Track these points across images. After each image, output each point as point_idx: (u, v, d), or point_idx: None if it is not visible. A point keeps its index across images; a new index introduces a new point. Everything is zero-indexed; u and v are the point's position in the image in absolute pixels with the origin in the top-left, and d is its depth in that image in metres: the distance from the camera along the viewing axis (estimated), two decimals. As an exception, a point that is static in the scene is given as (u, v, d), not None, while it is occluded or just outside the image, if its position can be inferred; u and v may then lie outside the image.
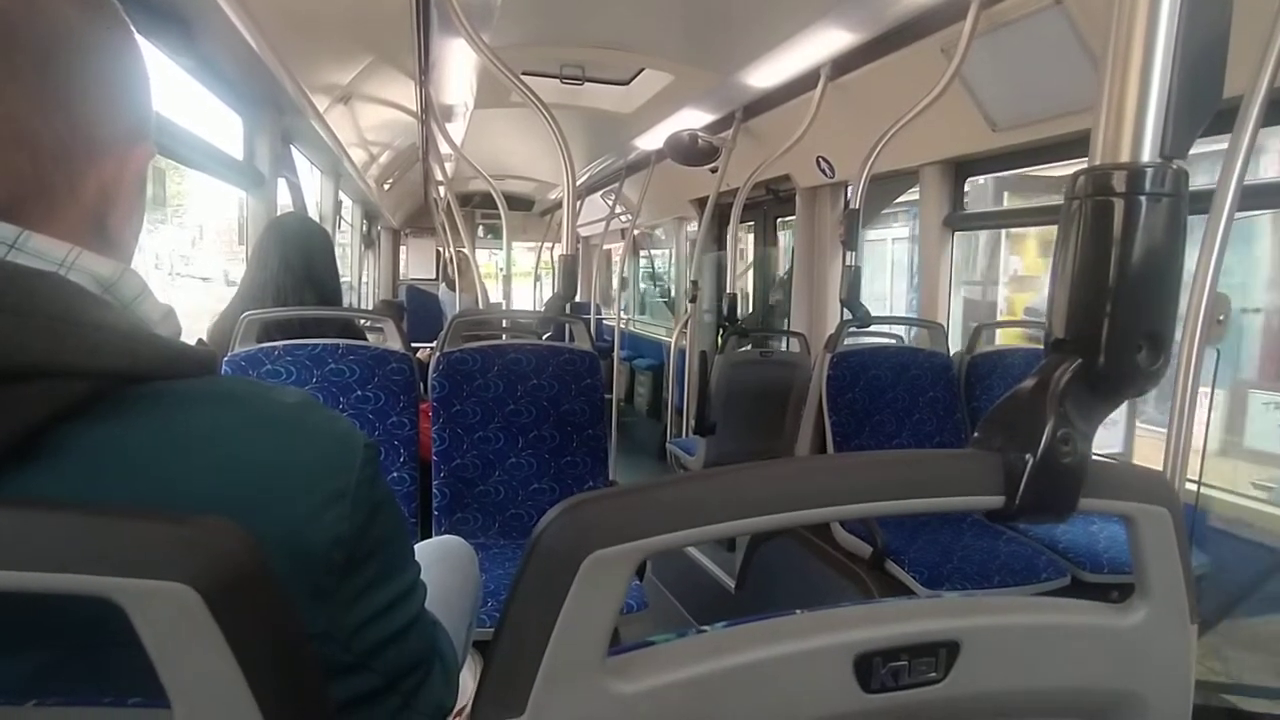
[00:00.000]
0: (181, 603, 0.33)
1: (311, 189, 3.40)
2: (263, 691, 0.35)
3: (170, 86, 1.81)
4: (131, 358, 0.42)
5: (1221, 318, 1.39)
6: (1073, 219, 0.46)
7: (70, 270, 0.43)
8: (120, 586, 0.33)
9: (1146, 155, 0.44)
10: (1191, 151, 0.45)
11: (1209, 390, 1.64)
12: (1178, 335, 1.18)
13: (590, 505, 0.41)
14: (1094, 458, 0.47)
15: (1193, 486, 1.52)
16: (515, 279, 6.37)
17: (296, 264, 1.83)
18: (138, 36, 0.50)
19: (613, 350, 4.55)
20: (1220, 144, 1.17)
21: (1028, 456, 0.45)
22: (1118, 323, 0.45)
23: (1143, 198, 0.44)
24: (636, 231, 5.48)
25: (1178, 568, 0.50)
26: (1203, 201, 1.17)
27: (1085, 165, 0.47)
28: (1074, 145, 2.02)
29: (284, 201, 2.60)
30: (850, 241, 2.34)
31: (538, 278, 7.66)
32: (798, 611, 0.47)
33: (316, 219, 2.89)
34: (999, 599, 0.50)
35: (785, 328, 3.60)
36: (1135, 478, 0.49)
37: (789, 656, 0.44)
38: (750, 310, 4.42)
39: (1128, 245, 0.44)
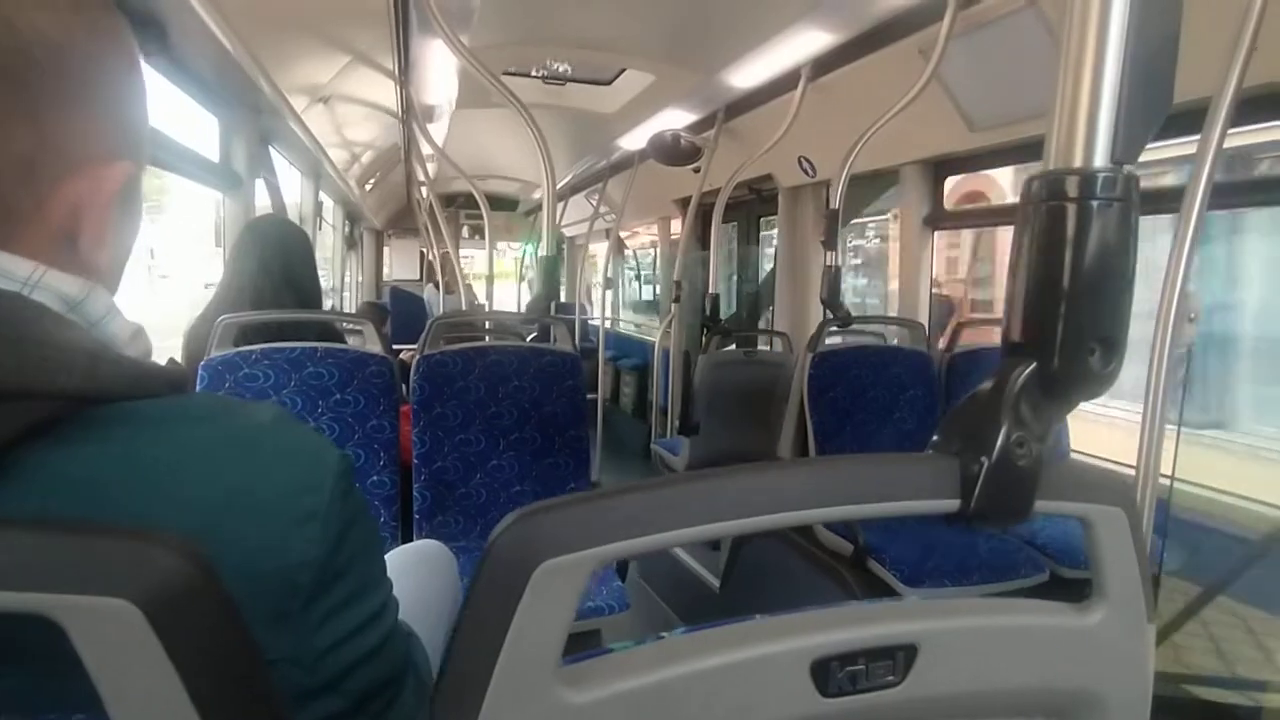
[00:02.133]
0: (122, 620, 0.32)
1: (291, 190, 3.38)
2: (210, 713, 0.34)
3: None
4: (95, 378, 0.41)
5: (1193, 317, 1.41)
6: (1027, 223, 0.46)
7: (35, 289, 0.42)
8: (58, 604, 0.32)
9: (1099, 160, 0.45)
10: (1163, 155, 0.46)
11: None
12: (1149, 335, 1.19)
13: (541, 515, 0.41)
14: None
15: (1165, 483, 1.54)
16: (499, 279, 6.35)
17: (274, 266, 1.82)
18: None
19: (597, 351, 4.55)
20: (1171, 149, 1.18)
21: (983, 459, 0.45)
22: (1070, 326, 0.45)
23: (1094, 202, 0.44)
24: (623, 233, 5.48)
25: (1134, 568, 0.50)
26: (1173, 200, 1.18)
27: (1039, 171, 0.47)
28: (1050, 145, 2.04)
29: (263, 203, 2.57)
30: (830, 241, 2.35)
31: (521, 277, 7.64)
32: (756, 617, 0.47)
33: (296, 220, 2.88)
34: (957, 601, 0.50)
35: (768, 327, 3.61)
36: (1090, 479, 0.50)
37: (746, 662, 0.44)
38: (734, 310, 4.43)
39: (1080, 249, 0.44)
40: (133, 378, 0.43)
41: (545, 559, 0.39)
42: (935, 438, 0.49)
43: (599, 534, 0.40)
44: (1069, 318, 0.45)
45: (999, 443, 0.45)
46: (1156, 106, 0.45)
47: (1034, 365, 0.46)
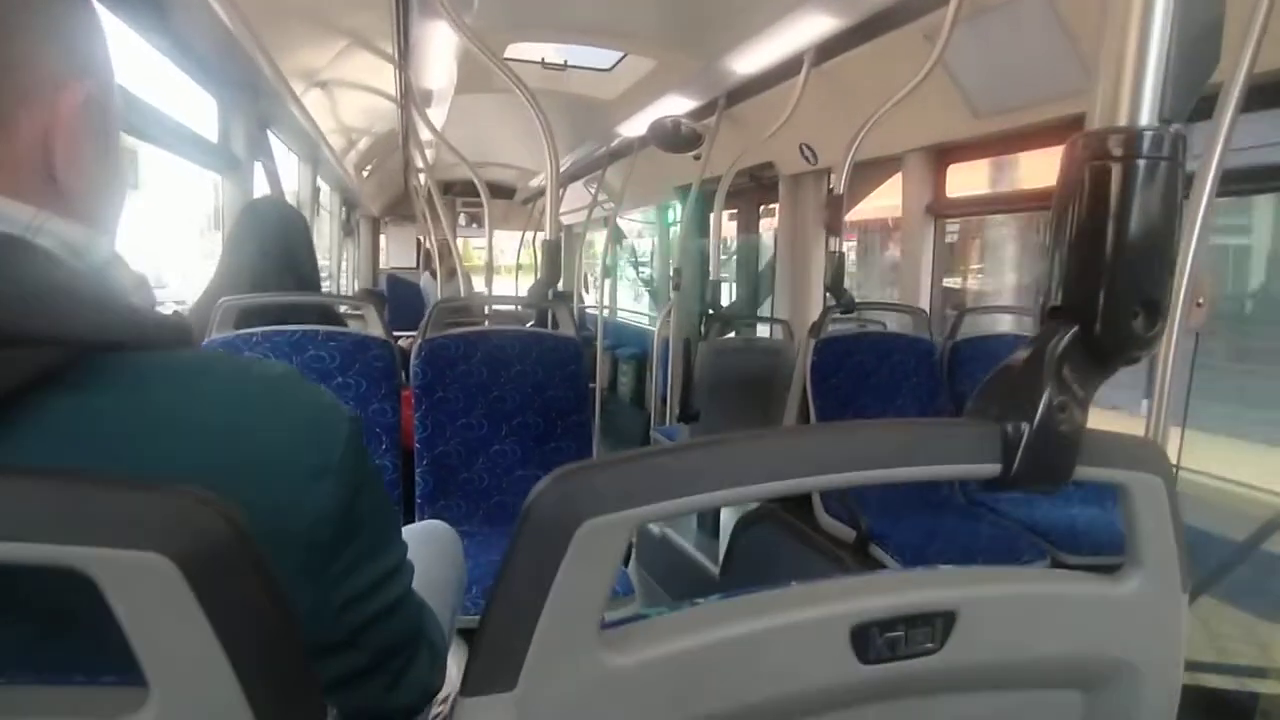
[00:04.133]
0: (157, 574, 0.32)
1: (289, 175, 3.35)
2: (244, 667, 0.34)
3: (143, 67, 1.76)
4: (103, 326, 0.40)
5: (1201, 301, 1.41)
6: (1069, 183, 0.46)
7: (38, 234, 0.41)
8: (91, 557, 0.31)
9: (1145, 118, 0.44)
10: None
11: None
12: None
13: (582, 474, 0.40)
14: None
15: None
16: (497, 273, 6.32)
17: (274, 249, 1.80)
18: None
19: (596, 339, 4.53)
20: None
21: (1024, 425, 0.45)
22: (1115, 289, 0.44)
23: (1141, 161, 0.43)
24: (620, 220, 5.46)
25: (1170, 536, 0.50)
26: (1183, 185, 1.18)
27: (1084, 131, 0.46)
28: (1056, 131, 2.03)
29: (261, 189, 2.55)
30: (834, 227, 2.34)
31: (519, 266, 7.61)
32: (793, 584, 0.47)
33: (294, 205, 2.85)
34: (996, 569, 0.50)
35: (767, 315, 3.60)
36: (1129, 446, 0.49)
37: (785, 628, 0.43)
38: (734, 298, 4.42)
39: (1125, 210, 0.44)
40: (142, 327, 0.43)
41: (588, 518, 0.39)
42: (971, 403, 0.48)
43: (642, 493, 0.39)
44: (1113, 280, 0.44)
45: (1041, 407, 0.44)
46: (1205, 63, 0.44)
47: (1076, 329, 0.45)
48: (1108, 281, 0.44)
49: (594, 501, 0.39)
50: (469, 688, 0.41)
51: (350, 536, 0.45)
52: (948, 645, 0.46)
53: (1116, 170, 0.44)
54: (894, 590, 0.46)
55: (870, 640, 0.44)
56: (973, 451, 0.45)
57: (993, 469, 0.45)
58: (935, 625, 0.46)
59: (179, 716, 0.33)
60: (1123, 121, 0.44)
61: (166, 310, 0.48)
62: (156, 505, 0.33)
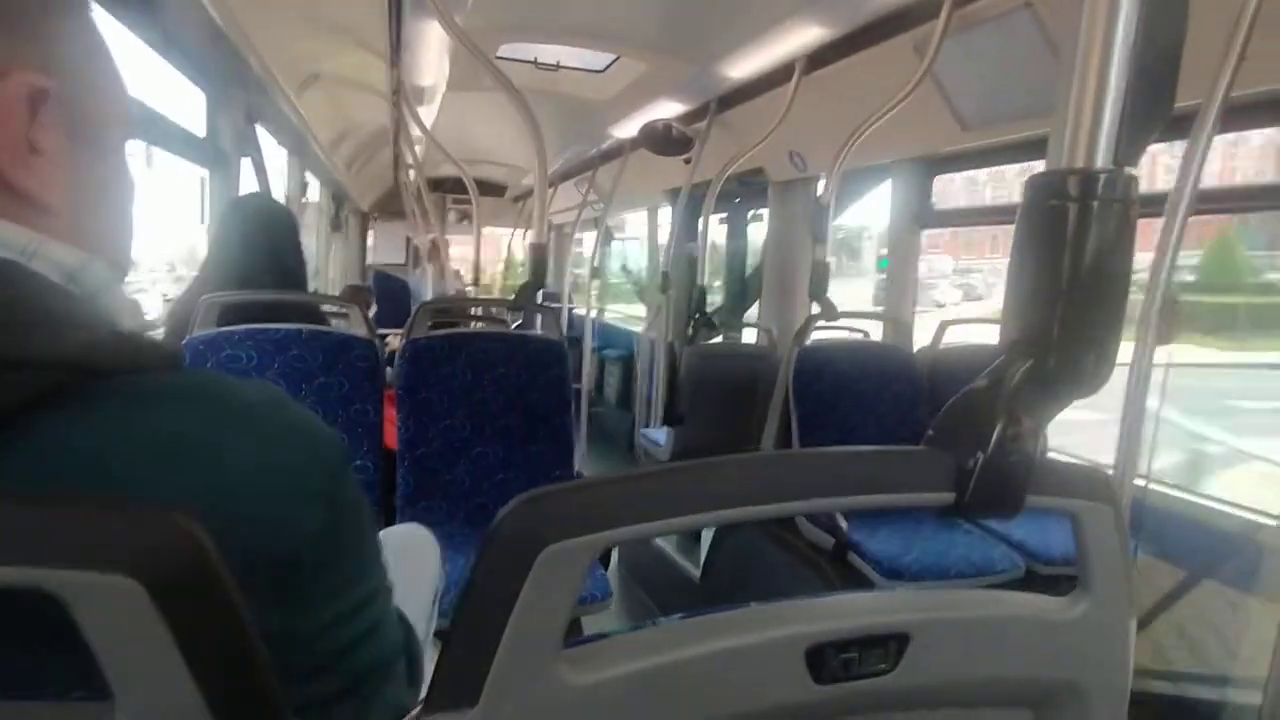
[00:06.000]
0: (124, 596, 0.32)
1: (277, 170, 3.33)
2: (210, 688, 0.34)
3: (130, 59, 1.75)
4: (94, 350, 0.40)
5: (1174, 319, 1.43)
6: (1028, 221, 0.47)
7: (33, 258, 0.42)
8: (59, 579, 0.32)
9: (1100, 161, 0.45)
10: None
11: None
12: (1130, 335, 1.21)
13: (549, 498, 0.41)
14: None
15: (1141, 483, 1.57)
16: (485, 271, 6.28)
17: (259, 246, 1.79)
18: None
19: (582, 340, 4.54)
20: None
21: (978, 454, 0.46)
22: (1068, 324, 0.46)
23: (1095, 203, 0.45)
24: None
25: (1118, 562, 0.51)
26: (1157, 205, 1.20)
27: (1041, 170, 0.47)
28: (1042, 146, 2.05)
29: (248, 183, 2.54)
30: (820, 235, 2.36)
31: (507, 265, 7.59)
32: (752, 605, 0.48)
33: (282, 200, 2.84)
34: (948, 593, 0.51)
35: (754, 320, 3.62)
36: (1079, 476, 0.51)
37: (743, 649, 0.44)
38: (721, 302, 4.44)
39: (1080, 249, 0.45)
40: (132, 352, 0.43)
41: (551, 542, 0.39)
42: (930, 432, 0.50)
43: (603, 519, 0.40)
44: (1067, 316, 0.46)
45: (994, 438, 0.46)
46: (1159, 110, 0.45)
47: (1030, 362, 0.47)
48: (1061, 317, 0.46)
49: (557, 526, 0.40)
50: (432, 704, 0.42)
51: (331, 562, 0.45)
52: (900, 666, 0.47)
53: (1073, 211, 0.45)
54: (849, 613, 0.47)
55: (825, 661, 0.46)
56: (928, 480, 0.47)
57: (947, 497, 0.46)
58: (889, 647, 0.47)
59: None
60: (1080, 163, 0.45)
61: (157, 334, 0.48)
62: (126, 526, 0.34)
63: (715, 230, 4.30)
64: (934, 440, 0.48)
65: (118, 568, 0.32)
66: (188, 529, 0.35)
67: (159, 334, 1.80)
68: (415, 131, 3.66)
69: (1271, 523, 1.75)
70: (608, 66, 3.03)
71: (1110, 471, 1.18)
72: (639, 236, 6.10)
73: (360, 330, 1.83)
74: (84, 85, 0.47)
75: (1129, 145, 0.45)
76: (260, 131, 2.73)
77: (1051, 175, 0.46)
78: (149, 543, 0.33)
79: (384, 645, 0.52)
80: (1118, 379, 0.51)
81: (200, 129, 2.27)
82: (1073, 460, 0.51)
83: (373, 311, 4.45)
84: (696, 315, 3.13)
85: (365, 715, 0.52)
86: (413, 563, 1.13)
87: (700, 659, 0.44)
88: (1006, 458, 0.46)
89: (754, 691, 0.45)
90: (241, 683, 0.36)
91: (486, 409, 1.93)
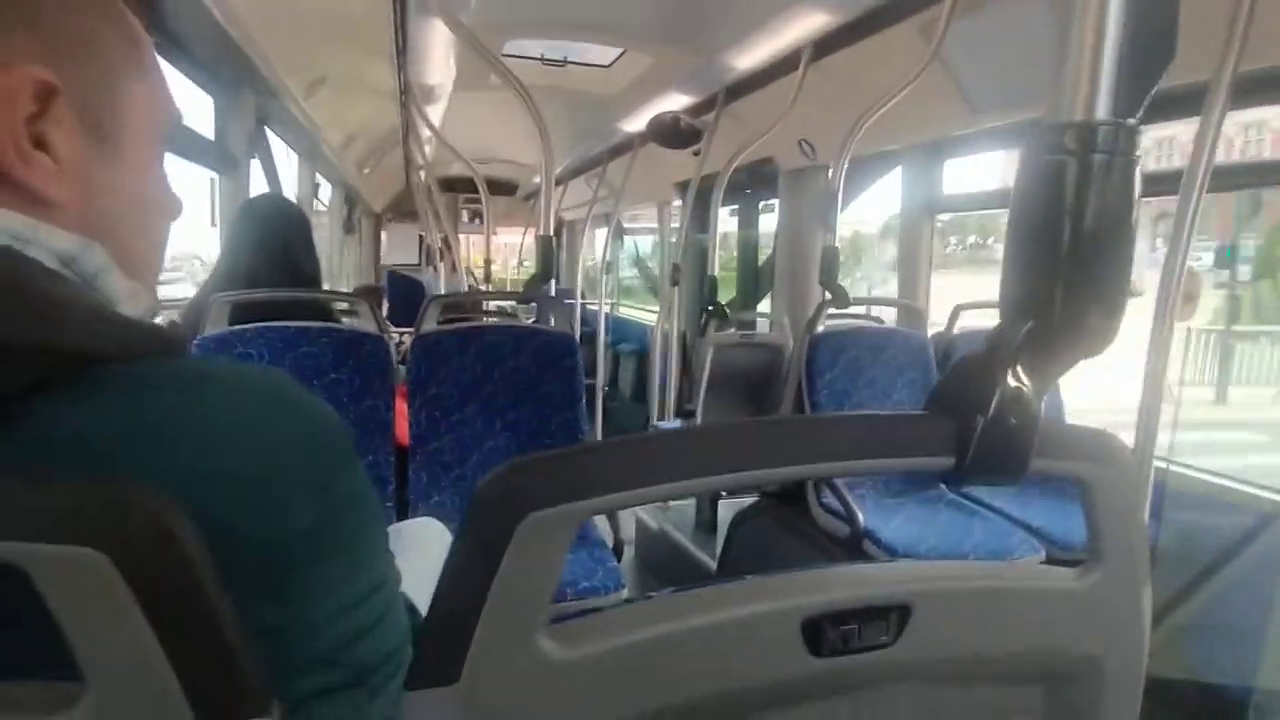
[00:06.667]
0: (91, 569, 0.32)
1: (288, 173, 3.36)
2: (184, 663, 0.34)
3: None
4: (93, 336, 0.40)
5: (1193, 295, 1.40)
6: (1026, 177, 0.46)
7: (28, 245, 0.41)
8: (25, 552, 0.31)
9: (1100, 113, 0.44)
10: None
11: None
12: (1151, 312, 1.19)
13: (527, 467, 0.40)
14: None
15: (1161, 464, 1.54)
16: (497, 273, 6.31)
17: (272, 246, 1.80)
18: None
19: (596, 336, 4.54)
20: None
21: (979, 417, 0.45)
22: (1070, 283, 0.44)
23: (1096, 156, 0.43)
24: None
25: (1131, 530, 0.50)
26: (1173, 182, 1.18)
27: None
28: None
29: (259, 187, 2.56)
30: (829, 223, 2.34)
31: (520, 263, 7.61)
32: (748, 577, 0.47)
33: (294, 202, 2.85)
34: (952, 564, 0.50)
35: (766, 310, 3.60)
36: (1088, 439, 0.49)
37: (734, 621, 0.43)
38: (733, 293, 4.42)
39: (1080, 204, 0.44)
40: (132, 337, 0.43)
41: (531, 511, 0.39)
42: (930, 397, 0.48)
43: (587, 486, 0.39)
44: (1069, 275, 0.44)
45: (995, 400, 0.44)
46: (1159, 59, 0.44)
47: (1032, 323, 0.45)
48: (1064, 276, 0.44)
49: (537, 494, 0.39)
50: (414, 681, 0.41)
51: (335, 551, 0.45)
52: (902, 639, 0.46)
53: (1072, 165, 0.44)
54: (846, 584, 0.46)
55: (822, 634, 0.44)
56: (927, 444, 0.45)
57: (946, 461, 0.45)
58: (890, 619, 0.46)
59: (117, 710, 0.34)
60: (1078, 115, 0.44)
61: (161, 319, 0.48)
62: (91, 500, 0.33)
63: (726, 222, 4.28)
64: (935, 404, 0.47)
65: (80, 539, 0.32)
66: (153, 500, 0.34)
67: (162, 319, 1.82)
68: (424, 131, 3.67)
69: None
70: (614, 61, 3.02)
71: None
72: (651, 229, 6.10)
73: (371, 327, 1.83)
74: (105, 89, 0.47)
75: (1129, 96, 0.44)
76: (270, 136, 2.75)
77: (1049, 128, 0.45)
78: (112, 514, 0.33)
79: (391, 637, 0.51)
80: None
81: (209, 131, 2.29)
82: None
83: (386, 310, 4.48)
84: (708, 307, 3.11)
85: (371, 706, 0.51)
86: (426, 556, 1.14)
87: (691, 632, 0.43)
88: (1009, 420, 0.44)
89: (748, 665, 0.44)
90: (217, 659, 0.35)
91: (497, 403, 1.93)
